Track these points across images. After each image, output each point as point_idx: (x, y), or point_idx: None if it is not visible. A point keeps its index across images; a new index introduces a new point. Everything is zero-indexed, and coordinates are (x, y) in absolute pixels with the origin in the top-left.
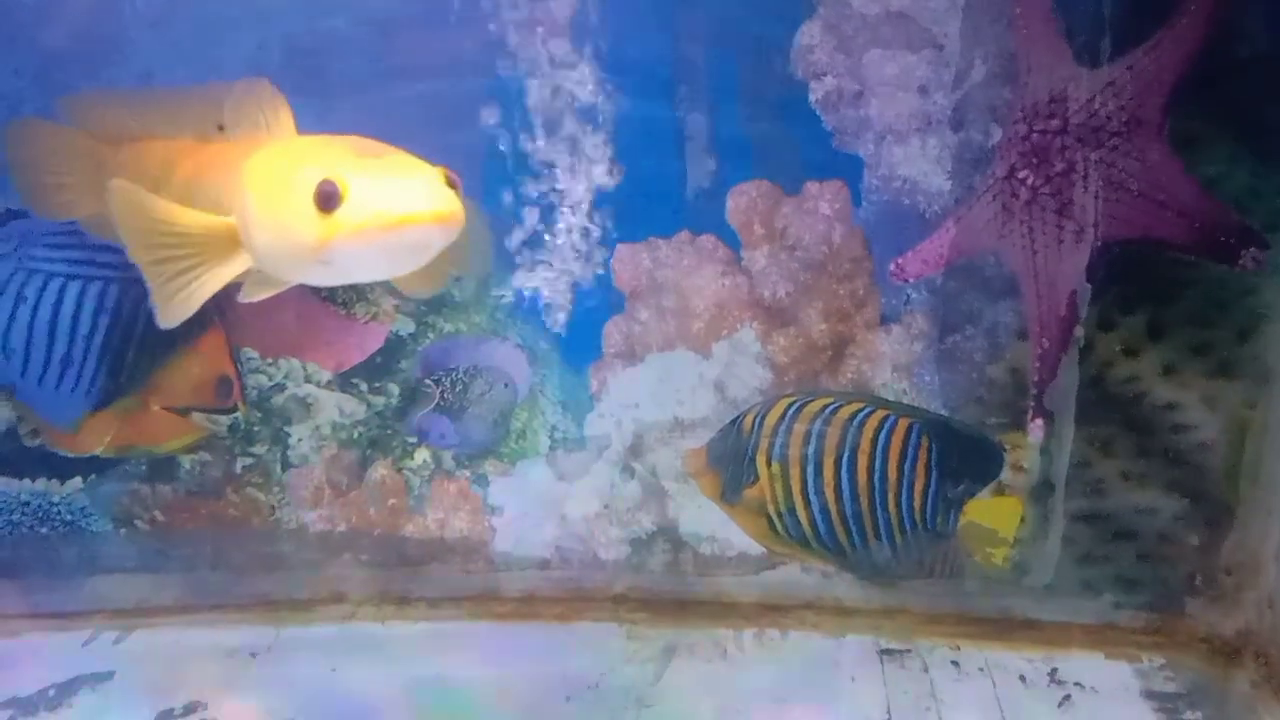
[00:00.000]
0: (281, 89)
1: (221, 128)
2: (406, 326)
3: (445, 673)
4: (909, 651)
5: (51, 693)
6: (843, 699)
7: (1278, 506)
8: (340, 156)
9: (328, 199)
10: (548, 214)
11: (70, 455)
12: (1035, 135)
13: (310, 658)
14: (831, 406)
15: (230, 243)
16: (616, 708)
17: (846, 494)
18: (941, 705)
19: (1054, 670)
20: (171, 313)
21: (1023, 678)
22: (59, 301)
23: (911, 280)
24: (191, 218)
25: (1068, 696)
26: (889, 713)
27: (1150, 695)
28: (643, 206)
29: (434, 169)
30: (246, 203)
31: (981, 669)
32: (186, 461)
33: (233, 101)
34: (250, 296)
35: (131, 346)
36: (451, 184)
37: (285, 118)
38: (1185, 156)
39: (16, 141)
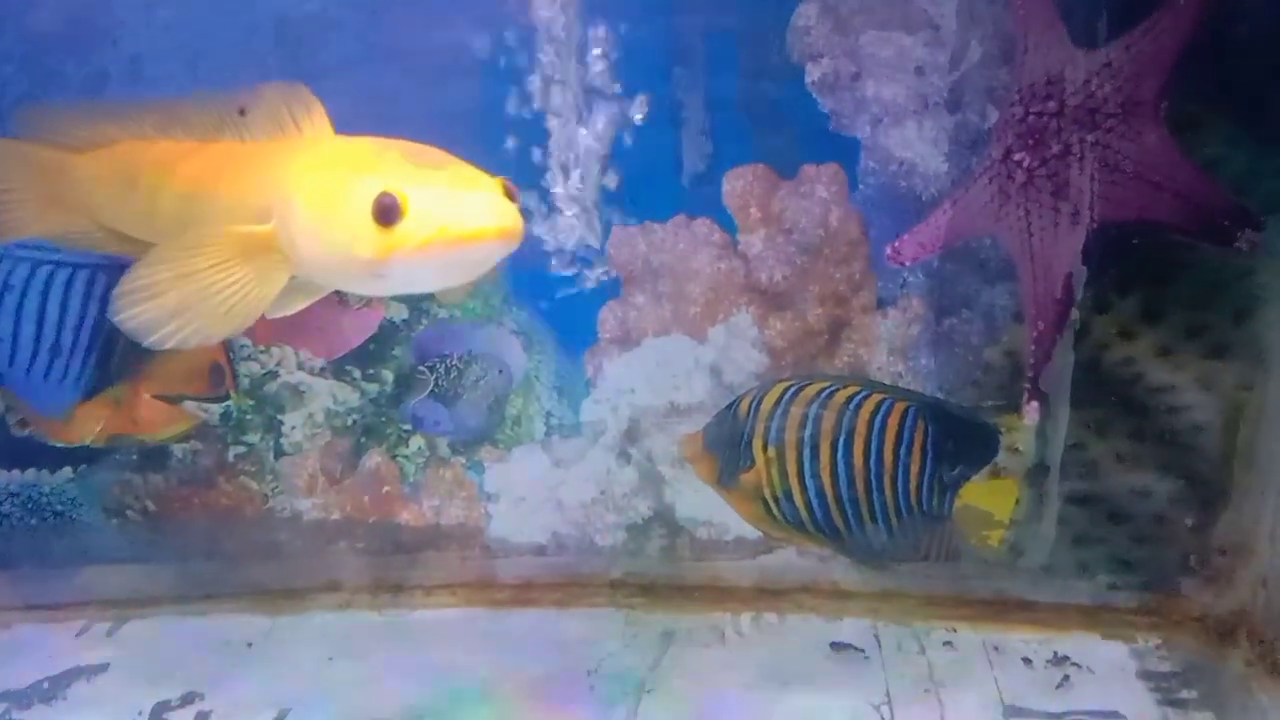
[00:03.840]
0: (273, 72)
1: (243, 111)
2: (400, 313)
3: (443, 660)
4: (906, 634)
5: (45, 685)
6: (842, 682)
7: (1272, 487)
8: (397, 166)
9: (387, 213)
10: (543, 197)
11: (60, 445)
12: (1032, 117)
13: (307, 647)
14: (828, 390)
15: (270, 252)
16: (617, 692)
17: (843, 477)
18: (940, 688)
19: (1051, 651)
20: (217, 334)
21: (1021, 659)
22: (47, 289)
23: (908, 263)
24: (227, 231)
25: (1066, 677)
26: (888, 696)
27: (1146, 675)
28: (639, 190)
29: (494, 180)
30: (293, 211)
31: (979, 651)
32: (178, 450)
33: (261, 103)
34: (283, 310)
35: (121, 334)
36: (511, 196)
37: (321, 120)
38: (1182, 138)
39: None
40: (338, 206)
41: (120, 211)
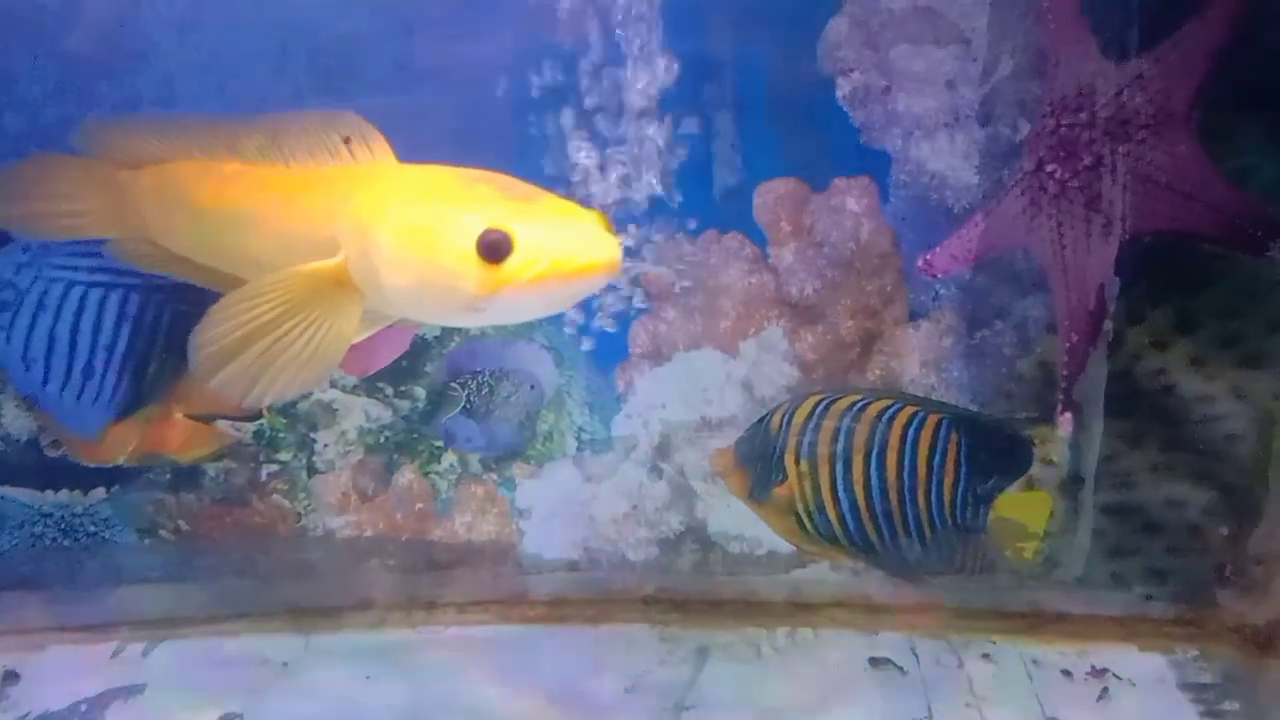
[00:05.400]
0: (305, 92)
1: (348, 140)
2: (432, 330)
3: (480, 678)
4: (943, 648)
5: (84, 707)
6: (883, 698)
7: None
8: (496, 200)
9: (495, 249)
10: None
11: (93, 465)
12: (1063, 129)
13: (342, 665)
14: (860, 403)
15: (340, 286)
16: (656, 709)
17: (876, 491)
18: (982, 702)
19: (1090, 664)
20: (311, 380)
21: (1060, 671)
22: (80, 310)
23: (940, 276)
24: (291, 273)
25: (1106, 689)
26: (930, 711)
27: (1187, 687)
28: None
29: (591, 212)
30: (375, 244)
31: (1017, 664)
32: (211, 470)
33: (312, 128)
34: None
35: (154, 354)
36: (610, 229)
37: (383, 148)
38: (1214, 149)
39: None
40: (437, 242)
41: (168, 230)
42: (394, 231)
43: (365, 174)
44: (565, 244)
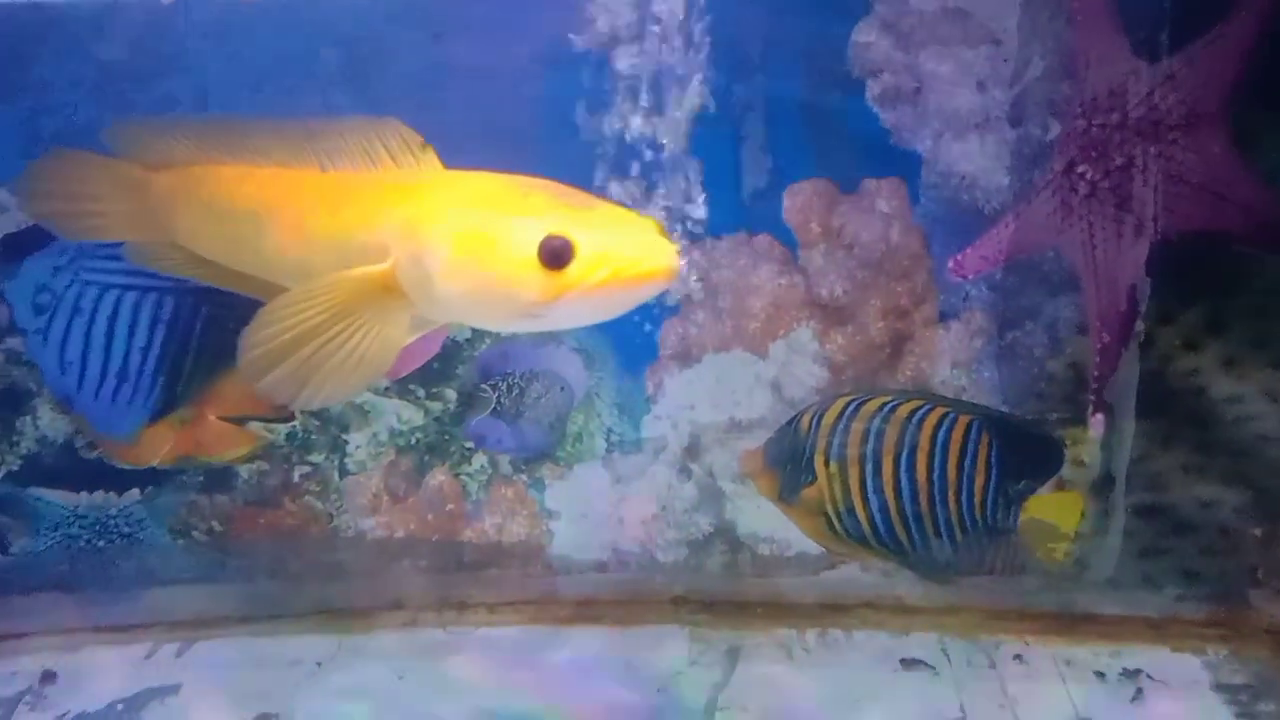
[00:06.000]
0: (337, 95)
1: (422, 145)
2: (463, 332)
3: (510, 678)
4: (975, 649)
5: (120, 707)
6: (917, 698)
7: None
8: (555, 207)
9: (557, 256)
10: None
11: (127, 467)
12: (1094, 129)
13: (375, 666)
14: (890, 405)
15: (388, 292)
16: (689, 711)
17: (906, 492)
18: (1015, 703)
19: (1122, 665)
20: (359, 385)
21: (1093, 672)
22: (115, 313)
23: (971, 277)
24: (338, 278)
25: (1140, 690)
26: (963, 711)
27: (1221, 688)
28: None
29: (647, 219)
30: (429, 250)
31: (1049, 665)
32: (244, 471)
33: (352, 133)
34: None
35: (188, 357)
36: (666, 235)
37: (429, 154)
38: (1246, 149)
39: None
40: (497, 249)
41: (198, 234)
42: (451, 238)
43: (414, 180)
44: (626, 251)
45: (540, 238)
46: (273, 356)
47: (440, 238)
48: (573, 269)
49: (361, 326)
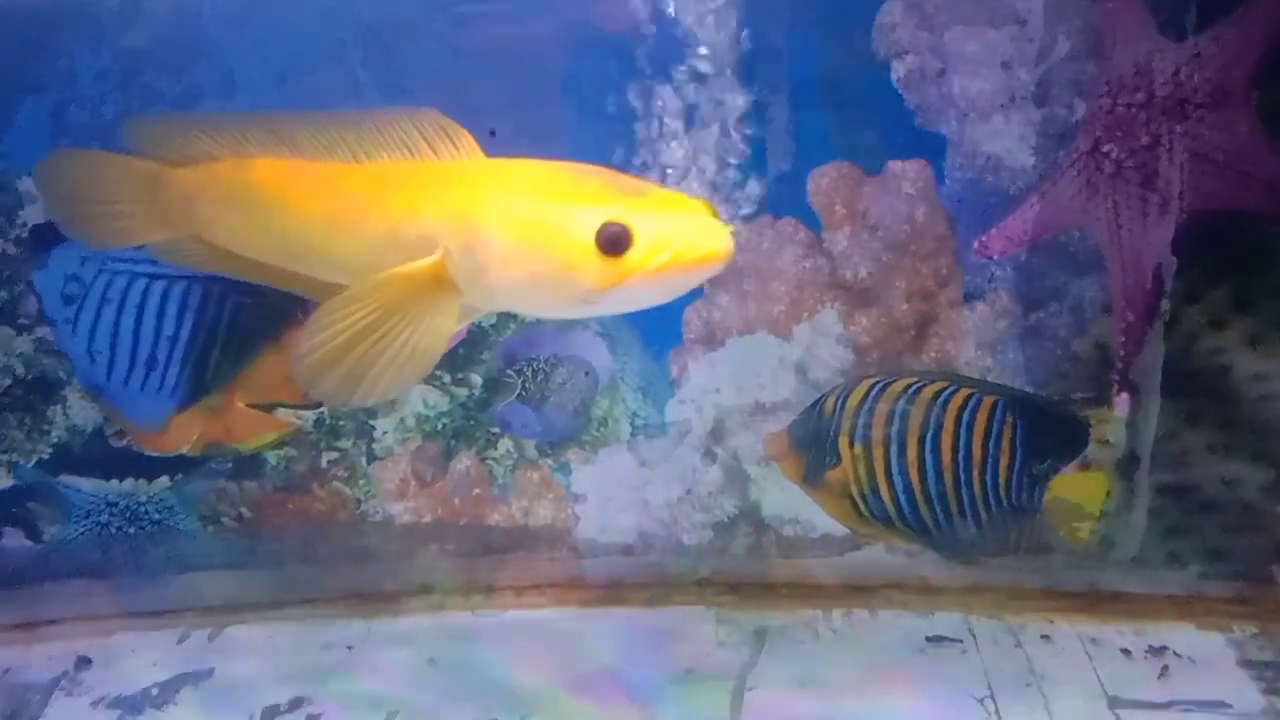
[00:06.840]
0: (364, 84)
1: (493, 133)
2: (488, 318)
3: (537, 660)
4: (1001, 628)
5: (155, 691)
6: (943, 676)
7: None
8: (608, 193)
9: (615, 243)
10: None
11: (157, 455)
12: (1120, 109)
13: (405, 649)
14: (915, 386)
15: (438, 283)
16: (720, 691)
17: (931, 473)
18: (1042, 681)
19: (1148, 643)
20: (412, 378)
21: (1119, 650)
22: (143, 302)
23: (996, 257)
24: (388, 276)
25: (1166, 667)
26: (990, 689)
27: (1247, 664)
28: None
29: (700, 202)
30: (482, 240)
31: (1075, 643)
32: (272, 458)
33: (393, 127)
34: None
35: (216, 345)
36: (719, 217)
37: (470, 143)
38: (1272, 127)
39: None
40: (555, 236)
41: (226, 228)
42: (506, 227)
43: (459, 170)
44: (683, 235)
45: (599, 224)
46: (327, 361)
47: (495, 227)
48: (631, 255)
49: (411, 321)
